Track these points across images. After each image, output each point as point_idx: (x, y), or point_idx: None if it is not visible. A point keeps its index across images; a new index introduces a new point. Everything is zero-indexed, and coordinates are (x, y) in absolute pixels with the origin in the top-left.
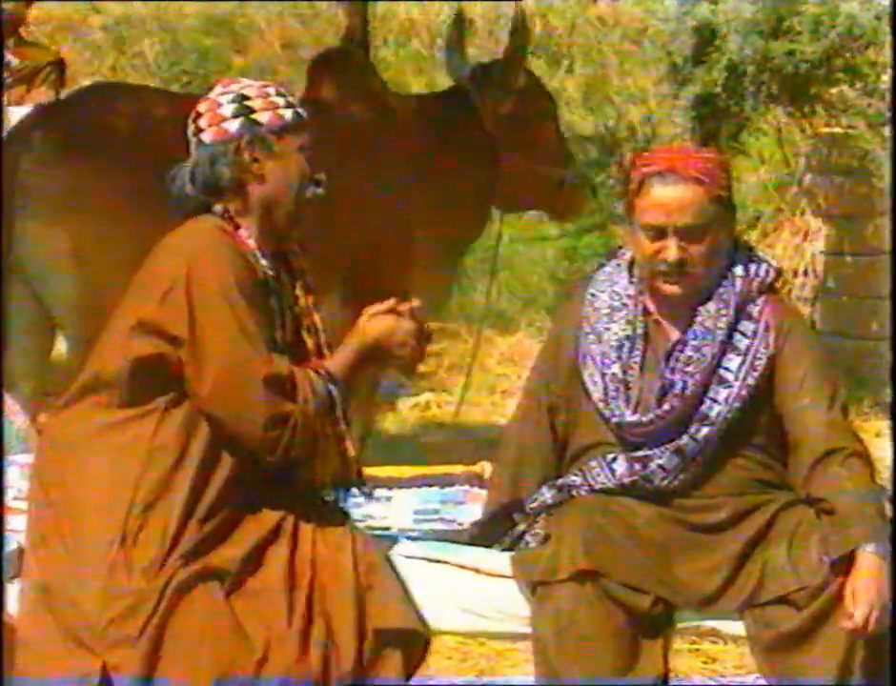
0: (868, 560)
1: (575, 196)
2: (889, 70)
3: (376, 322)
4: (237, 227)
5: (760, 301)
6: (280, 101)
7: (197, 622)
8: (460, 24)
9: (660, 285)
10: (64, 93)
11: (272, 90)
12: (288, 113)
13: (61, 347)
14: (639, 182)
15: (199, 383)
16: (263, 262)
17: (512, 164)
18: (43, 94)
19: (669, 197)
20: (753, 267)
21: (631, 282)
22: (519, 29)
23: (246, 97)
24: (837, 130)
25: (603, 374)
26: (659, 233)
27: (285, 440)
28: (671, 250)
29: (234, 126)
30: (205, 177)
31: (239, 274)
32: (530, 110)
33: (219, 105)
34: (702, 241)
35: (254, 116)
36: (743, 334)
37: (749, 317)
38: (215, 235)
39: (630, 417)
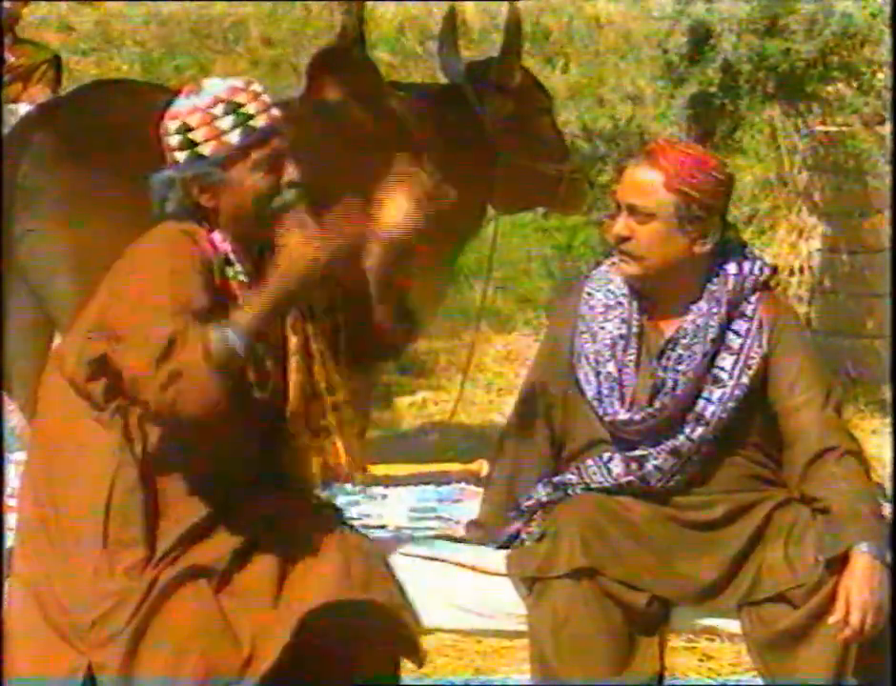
0: (862, 560)
1: (574, 191)
2: (886, 69)
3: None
4: (212, 230)
5: (753, 299)
6: (226, 124)
7: (185, 620)
8: (452, 20)
9: (617, 264)
10: (61, 91)
11: (219, 111)
12: (235, 136)
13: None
14: (625, 164)
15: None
16: (238, 267)
17: (510, 162)
18: (40, 92)
19: (632, 176)
20: (746, 264)
21: (627, 282)
22: (513, 26)
23: (189, 128)
24: (833, 128)
25: (598, 373)
26: (618, 210)
27: (172, 395)
28: (617, 224)
29: (181, 156)
30: (161, 199)
31: (187, 271)
32: (527, 108)
33: (167, 132)
34: (646, 224)
35: (197, 149)
36: (737, 333)
37: (742, 316)
38: (176, 242)
39: (623, 416)
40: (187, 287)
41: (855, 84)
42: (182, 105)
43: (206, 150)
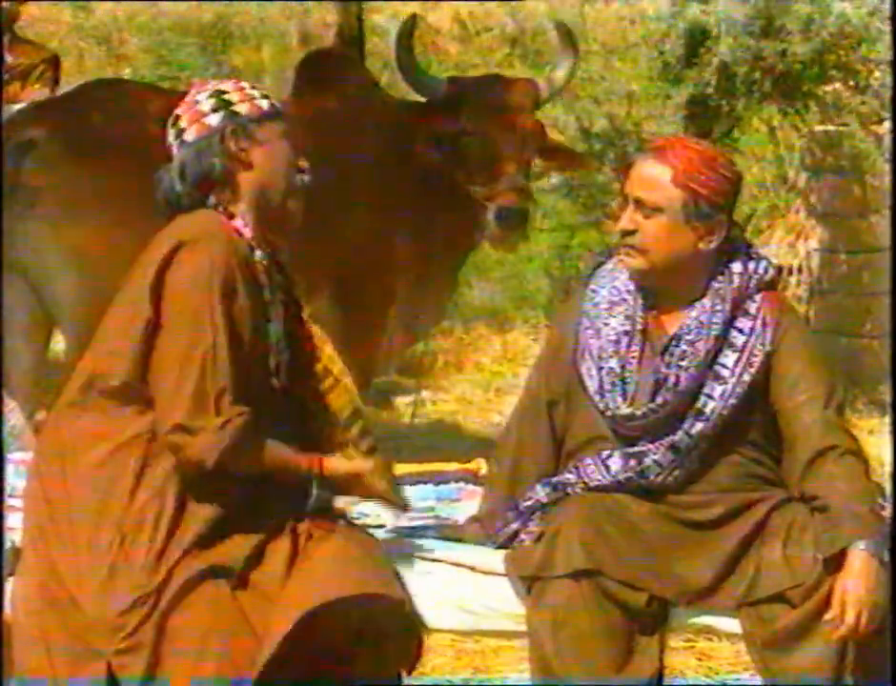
0: (860, 558)
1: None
2: (884, 68)
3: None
4: (232, 217)
5: (758, 298)
6: (256, 93)
7: (203, 618)
8: (410, 29)
9: (622, 258)
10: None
11: (246, 85)
12: (265, 103)
13: (58, 346)
14: (633, 159)
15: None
16: (258, 253)
17: (438, 182)
18: (38, 92)
19: (639, 171)
20: (752, 264)
21: (631, 277)
22: (565, 37)
23: (223, 92)
24: (830, 128)
25: (600, 368)
26: (625, 203)
27: (186, 453)
28: (623, 218)
29: (214, 120)
30: (195, 171)
31: (227, 264)
32: (450, 124)
33: (197, 103)
34: (652, 218)
35: (233, 108)
36: (740, 331)
37: (746, 314)
38: (213, 223)
39: (624, 411)
40: (229, 300)
41: (852, 83)
42: (205, 86)
43: (242, 108)
